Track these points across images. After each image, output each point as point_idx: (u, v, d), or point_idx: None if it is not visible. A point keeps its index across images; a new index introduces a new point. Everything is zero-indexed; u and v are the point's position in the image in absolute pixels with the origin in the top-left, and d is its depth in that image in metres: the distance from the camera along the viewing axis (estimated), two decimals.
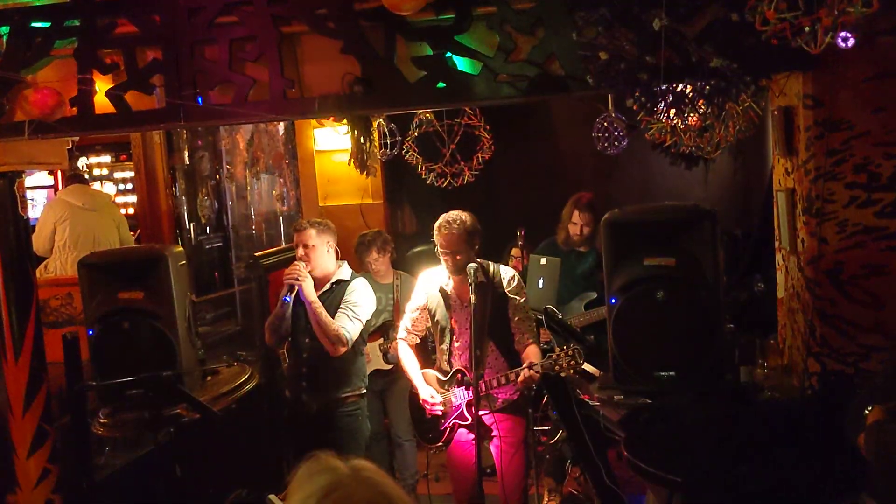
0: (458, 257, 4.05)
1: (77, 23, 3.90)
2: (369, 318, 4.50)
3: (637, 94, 3.23)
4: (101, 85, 3.98)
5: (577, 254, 5.26)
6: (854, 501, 2.78)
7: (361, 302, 4.42)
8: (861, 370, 3.49)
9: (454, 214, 4.09)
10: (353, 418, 4.46)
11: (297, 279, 4.28)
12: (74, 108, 3.98)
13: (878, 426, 2.58)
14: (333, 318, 4.32)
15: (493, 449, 4.21)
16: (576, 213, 5.22)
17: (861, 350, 3.50)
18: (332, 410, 4.40)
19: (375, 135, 5.51)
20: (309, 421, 4.41)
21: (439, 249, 4.09)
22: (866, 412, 2.68)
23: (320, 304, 4.30)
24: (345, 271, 4.51)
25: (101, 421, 4.31)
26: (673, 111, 3.39)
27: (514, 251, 5.43)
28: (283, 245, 7.38)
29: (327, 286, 4.44)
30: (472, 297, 3.95)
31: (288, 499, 1.35)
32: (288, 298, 4.32)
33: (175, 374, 3.99)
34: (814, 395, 3.51)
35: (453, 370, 4.17)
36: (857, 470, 2.77)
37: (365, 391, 4.56)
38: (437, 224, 4.09)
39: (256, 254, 6.27)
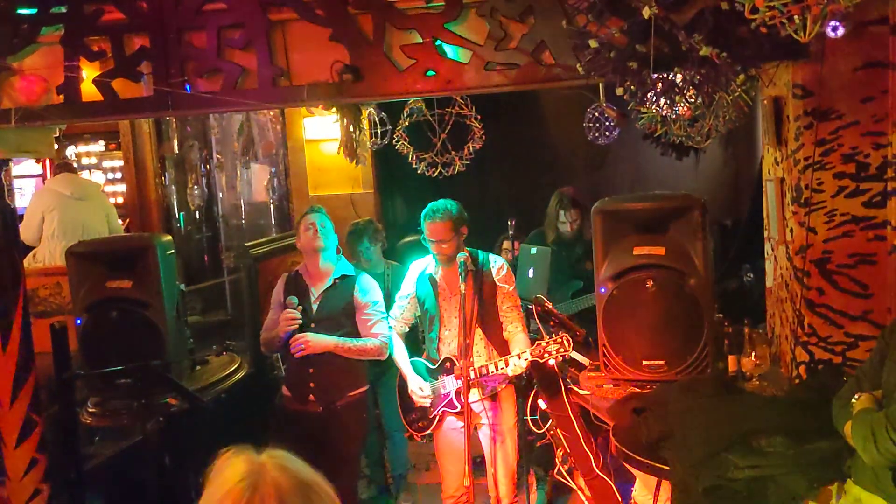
0: (445, 246, 4.05)
1: (64, 9, 3.88)
2: None
3: (627, 82, 3.23)
4: (89, 72, 3.96)
5: (565, 244, 5.27)
6: (841, 489, 2.80)
7: (380, 297, 4.38)
8: (848, 359, 3.50)
9: (440, 203, 4.08)
10: (360, 412, 4.40)
11: (305, 346, 4.16)
12: (61, 96, 3.95)
13: (865, 415, 2.59)
14: (343, 311, 4.26)
15: (482, 437, 4.22)
16: (562, 213, 5.23)
17: (849, 339, 3.51)
18: (338, 409, 4.30)
19: (366, 123, 5.48)
20: (311, 420, 4.29)
21: (426, 238, 4.09)
22: (853, 401, 2.69)
23: (345, 341, 4.21)
24: (346, 265, 4.43)
25: (90, 410, 4.30)
26: (663, 101, 3.38)
27: (506, 244, 5.42)
28: (274, 235, 7.36)
29: (329, 281, 4.32)
30: (462, 286, 3.95)
31: (205, 489, 1.40)
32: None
33: (164, 363, 3.99)
34: (802, 384, 3.53)
35: (442, 358, 4.17)
36: (844, 458, 2.79)
37: (367, 387, 4.51)
38: (423, 213, 4.09)
39: (246, 243, 6.25)
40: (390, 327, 4.33)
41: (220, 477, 1.39)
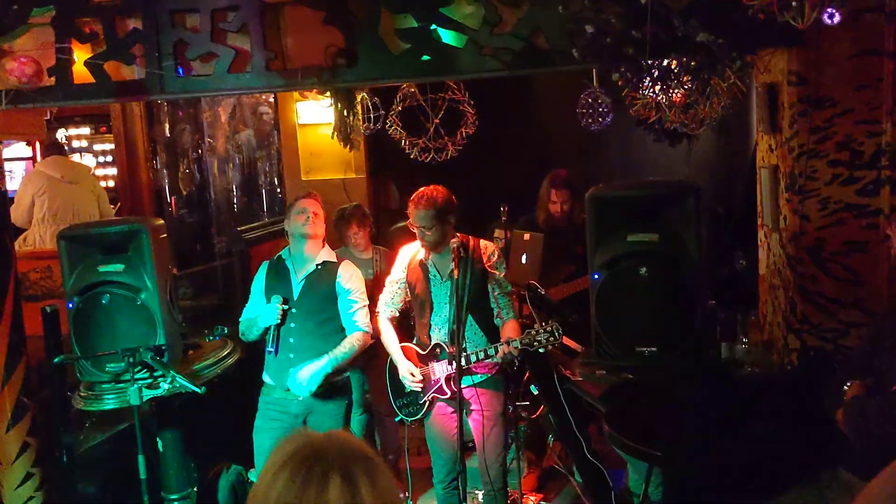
0: (430, 232, 4.03)
1: None
2: None
3: (622, 69, 3.22)
4: (80, 54, 3.92)
5: (555, 227, 5.27)
6: (832, 475, 2.82)
7: (361, 286, 4.36)
8: (840, 346, 3.52)
9: (427, 189, 4.06)
10: (341, 398, 4.38)
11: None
12: (52, 78, 3.91)
13: (857, 401, 2.61)
14: (324, 296, 4.25)
15: (471, 423, 4.22)
16: (553, 191, 5.23)
17: (840, 326, 3.53)
18: (319, 394, 4.26)
19: (359, 108, 5.46)
20: (294, 406, 4.28)
21: (413, 224, 4.07)
22: (845, 388, 2.71)
23: (335, 360, 4.18)
24: (329, 252, 4.41)
25: (82, 394, 4.29)
26: (658, 87, 3.37)
27: (497, 232, 5.40)
28: (265, 220, 7.34)
29: (313, 267, 4.30)
30: (455, 272, 3.94)
31: (267, 461, 1.43)
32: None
33: (156, 347, 3.97)
34: (793, 371, 3.54)
35: (432, 344, 4.17)
36: (835, 444, 2.81)
37: (347, 374, 4.51)
38: (410, 199, 4.08)
39: (239, 228, 6.23)
40: (381, 311, 4.33)
41: (279, 451, 1.42)
